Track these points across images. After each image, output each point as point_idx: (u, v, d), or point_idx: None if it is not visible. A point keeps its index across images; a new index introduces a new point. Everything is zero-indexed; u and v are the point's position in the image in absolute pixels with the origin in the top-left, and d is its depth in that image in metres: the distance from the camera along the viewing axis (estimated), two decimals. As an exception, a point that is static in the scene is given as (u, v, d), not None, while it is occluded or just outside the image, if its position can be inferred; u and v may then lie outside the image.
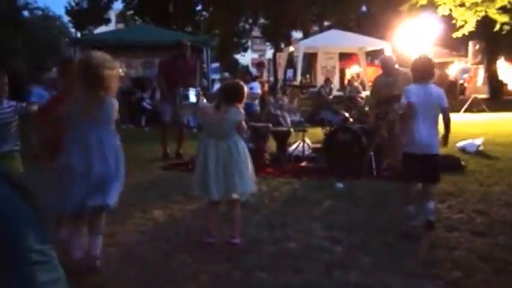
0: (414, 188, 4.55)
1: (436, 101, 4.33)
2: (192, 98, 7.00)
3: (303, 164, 7.26)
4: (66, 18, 32.76)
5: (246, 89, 4.17)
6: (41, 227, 1.45)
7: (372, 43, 17.37)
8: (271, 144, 7.75)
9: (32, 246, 1.38)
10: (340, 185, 5.91)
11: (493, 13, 17.16)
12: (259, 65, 18.46)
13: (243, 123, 4.03)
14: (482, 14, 17.24)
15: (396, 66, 6.89)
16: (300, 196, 5.62)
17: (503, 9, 17.19)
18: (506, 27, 17.34)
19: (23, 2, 28.16)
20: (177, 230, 4.46)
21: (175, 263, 3.71)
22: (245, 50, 38.61)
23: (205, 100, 5.40)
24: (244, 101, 4.15)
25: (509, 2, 16.86)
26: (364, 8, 28.69)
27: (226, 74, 14.37)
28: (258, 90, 12.82)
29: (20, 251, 1.35)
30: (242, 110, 4.05)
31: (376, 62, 14.34)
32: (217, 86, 14.56)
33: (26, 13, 29.36)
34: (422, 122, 4.27)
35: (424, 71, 4.39)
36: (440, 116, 4.43)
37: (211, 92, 12.56)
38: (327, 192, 5.70)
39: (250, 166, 4.05)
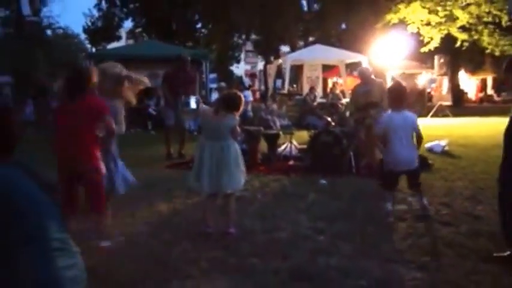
0: (391, 193, 4.52)
1: (410, 124, 4.37)
2: (193, 105, 6.96)
3: (291, 162, 7.23)
4: (83, 36, 32.62)
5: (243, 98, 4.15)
6: (59, 218, 1.43)
7: (350, 56, 17.37)
8: (263, 145, 7.72)
9: (53, 235, 1.36)
10: (323, 181, 5.90)
11: (454, 31, 17.41)
12: (252, 75, 18.46)
13: (237, 128, 4.01)
14: (446, 32, 17.50)
15: (372, 76, 6.90)
16: (288, 191, 5.60)
17: (463, 28, 17.47)
18: (466, 44, 17.60)
19: (46, 23, 28.08)
20: (179, 221, 4.42)
21: (177, 250, 3.68)
22: (239, 62, 38.47)
23: (204, 106, 5.34)
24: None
25: (467, 22, 17.09)
26: (344, 26, 28.76)
27: (223, 84, 14.29)
28: (250, 98, 12.81)
29: (42, 239, 1.33)
30: (237, 117, 4.02)
31: (355, 72, 14.34)
32: (214, 94, 14.48)
33: (49, 32, 29.22)
34: (401, 143, 4.29)
35: (399, 100, 4.44)
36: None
37: (210, 101, 12.49)
38: (311, 187, 5.68)
39: (242, 165, 4.03)
